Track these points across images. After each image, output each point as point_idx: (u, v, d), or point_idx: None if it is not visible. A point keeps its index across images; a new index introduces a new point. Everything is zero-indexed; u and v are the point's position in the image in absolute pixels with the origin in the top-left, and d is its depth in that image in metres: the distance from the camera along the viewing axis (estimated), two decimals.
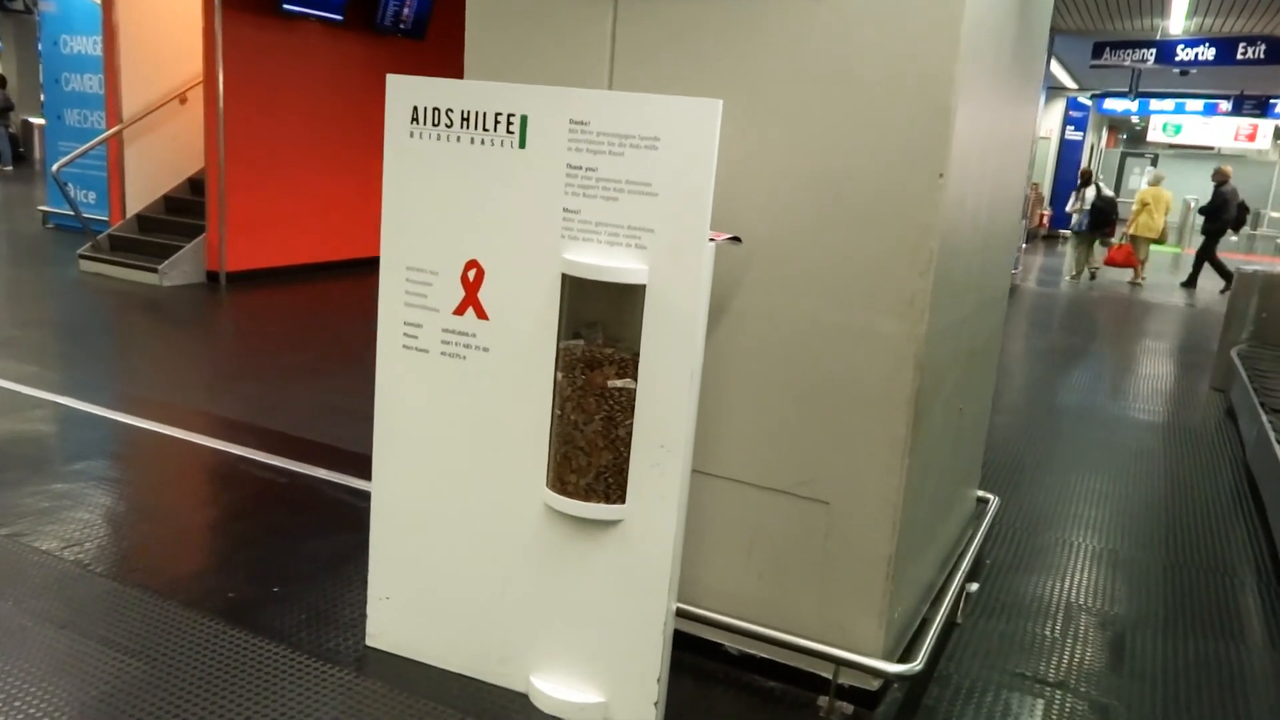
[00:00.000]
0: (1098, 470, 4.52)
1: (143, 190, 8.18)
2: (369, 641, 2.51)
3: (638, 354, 2.10)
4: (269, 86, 7.77)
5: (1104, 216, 12.21)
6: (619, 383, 2.11)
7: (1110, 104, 18.97)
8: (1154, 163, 26.02)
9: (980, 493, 3.47)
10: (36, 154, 16.93)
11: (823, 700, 2.39)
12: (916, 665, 2.29)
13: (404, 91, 2.23)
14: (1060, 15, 10.89)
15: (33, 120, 16.96)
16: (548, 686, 2.27)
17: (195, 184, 8.21)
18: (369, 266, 2.34)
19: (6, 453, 3.71)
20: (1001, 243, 3.04)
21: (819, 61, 2.17)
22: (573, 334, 2.20)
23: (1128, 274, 12.40)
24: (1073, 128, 19.54)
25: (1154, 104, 18.13)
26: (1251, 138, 19.04)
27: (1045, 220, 17.40)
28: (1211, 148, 23.37)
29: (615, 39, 2.38)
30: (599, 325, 2.21)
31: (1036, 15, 2.99)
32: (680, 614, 2.39)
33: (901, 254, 2.16)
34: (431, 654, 2.43)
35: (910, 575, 2.52)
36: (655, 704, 2.19)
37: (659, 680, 2.18)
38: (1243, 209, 12.51)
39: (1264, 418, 4.40)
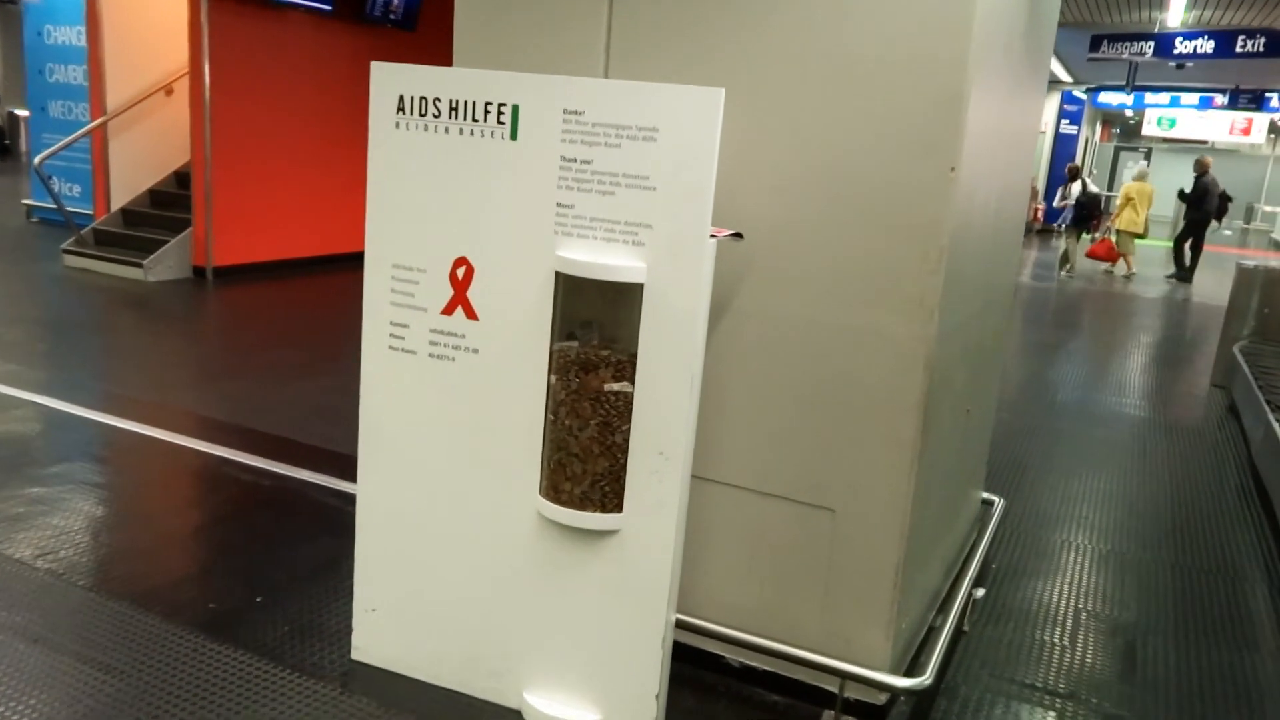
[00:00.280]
0: (1100, 470, 4.44)
1: (127, 184, 8.04)
2: (355, 655, 2.41)
3: (635, 355, 2.00)
4: (256, 78, 7.63)
5: (1088, 212, 12.21)
6: (615, 386, 2.01)
7: (1105, 98, 18.89)
8: (1147, 157, 26.00)
9: (985, 494, 3.38)
10: (22, 146, 16.72)
11: (828, 715, 2.30)
12: (925, 679, 2.20)
13: (389, 80, 2.12)
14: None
15: (18, 112, 16.75)
16: (541, 703, 2.18)
17: (181, 177, 8.08)
18: (359, 261, 2.23)
19: None
20: (1009, 238, 2.95)
21: (822, 43, 2.07)
22: (566, 335, 2.10)
23: (1114, 266, 12.39)
24: (1067, 121, 19.49)
25: (1149, 98, 18.06)
26: (1246, 132, 18.99)
27: (1039, 215, 17.36)
28: (1205, 142, 23.35)
29: (611, 26, 2.28)
30: (594, 325, 2.11)
31: (1046, 5, 2.90)
32: (679, 625, 2.29)
33: (911, 251, 2.06)
34: (420, 668, 2.33)
35: (917, 583, 2.43)
36: None
37: (657, 697, 2.09)
38: (1224, 199, 12.46)
39: (1270, 416, 4.32)
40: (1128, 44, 11.30)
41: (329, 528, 3.18)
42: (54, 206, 8.19)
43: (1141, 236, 12.31)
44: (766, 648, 2.32)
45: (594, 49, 2.30)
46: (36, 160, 8.16)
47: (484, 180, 2.06)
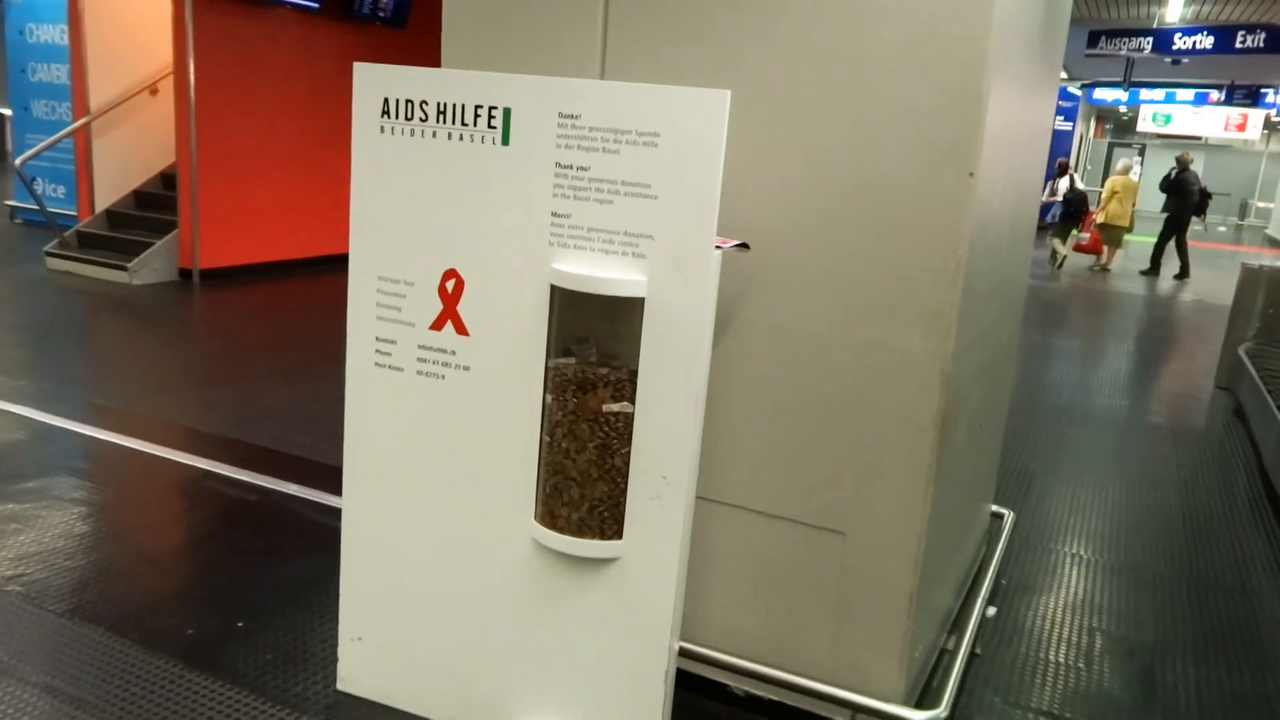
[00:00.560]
0: (1108, 478, 4.34)
1: (112, 185, 7.89)
2: (340, 685, 2.29)
3: (635, 372, 1.89)
4: (243, 77, 7.48)
5: (1075, 208, 12.19)
6: (615, 407, 1.89)
7: (1100, 94, 18.83)
8: (1141, 153, 25.98)
9: (994, 507, 3.28)
10: (7, 146, 16.51)
11: None
12: (941, 712, 2.09)
13: (374, 81, 2.00)
14: None
15: (3, 111, 16.54)
16: None
17: (167, 178, 7.93)
18: (348, 264, 2.13)
19: None
20: (1023, 244, 2.84)
21: (832, 39, 1.95)
22: (562, 351, 1.98)
23: (1094, 259, 12.41)
24: (1062, 118, 19.40)
25: (1144, 94, 17.99)
26: (1242, 128, 18.94)
27: None
28: (1199, 138, 23.34)
29: (607, 24, 2.16)
30: (591, 341, 1.99)
31: (1060, 1, 2.79)
32: (681, 653, 2.18)
33: (927, 261, 1.94)
34: (408, 700, 2.21)
35: (930, 604, 2.32)
36: None
37: None
38: (1203, 195, 12.40)
39: None
40: (1126, 40, 11.21)
41: (315, 545, 3.06)
42: (37, 208, 8.04)
43: (1128, 230, 12.36)
44: (772, 676, 2.21)
45: (589, 47, 2.18)
46: (18, 161, 7.99)
47: (475, 188, 1.94)
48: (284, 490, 3.48)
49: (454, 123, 1.94)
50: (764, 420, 2.15)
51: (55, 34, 8.59)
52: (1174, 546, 3.59)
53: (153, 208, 7.82)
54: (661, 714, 1.97)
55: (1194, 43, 10.80)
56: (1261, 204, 25.72)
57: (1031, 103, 2.48)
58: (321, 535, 3.14)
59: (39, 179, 8.75)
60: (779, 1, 1.98)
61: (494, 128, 1.91)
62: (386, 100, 1.99)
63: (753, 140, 2.04)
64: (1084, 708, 2.49)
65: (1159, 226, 12.54)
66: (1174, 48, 10.99)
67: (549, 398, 1.95)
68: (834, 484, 2.11)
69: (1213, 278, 12.74)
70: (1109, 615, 3.01)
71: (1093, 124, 26.63)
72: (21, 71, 9.01)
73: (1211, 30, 10.67)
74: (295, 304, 7.11)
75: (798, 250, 2.05)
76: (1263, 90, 16.44)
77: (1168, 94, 17.74)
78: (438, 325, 2.02)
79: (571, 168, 1.85)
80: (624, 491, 1.92)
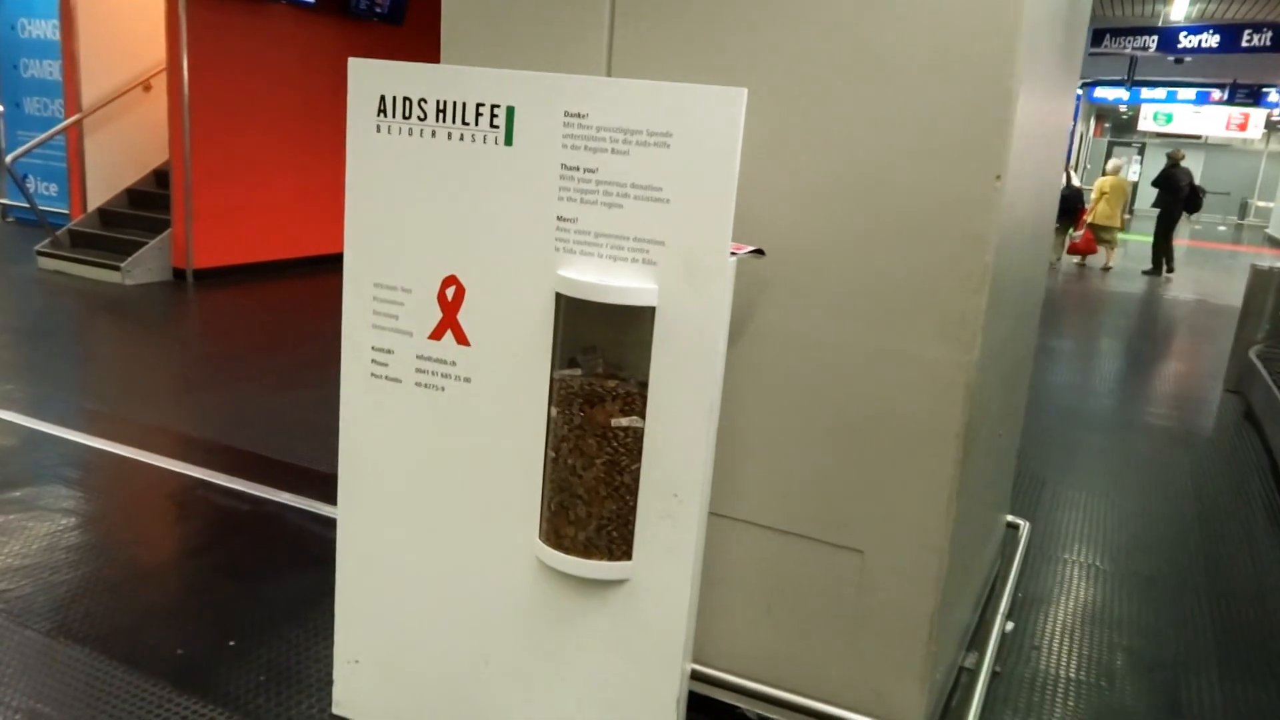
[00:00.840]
0: (1120, 484, 4.25)
1: (104, 183, 7.77)
2: (336, 709, 2.19)
3: (644, 384, 1.79)
4: (237, 73, 7.37)
5: (1070, 206, 12.12)
6: (624, 421, 1.80)
7: (1101, 92, 18.73)
8: (1140, 152, 25.90)
9: (1010, 517, 3.19)
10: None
11: None
12: None
13: (369, 77, 1.90)
14: None
15: None
16: None
17: (160, 176, 7.82)
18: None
19: None
20: (1041, 248, 2.75)
21: (851, 34, 1.86)
22: (567, 361, 1.88)
23: (1092, 258, 12.36)
24: None
25: (1145, 92, 17.90)
26: (1243, 127, 18.86)
27: None
28: (1199, 136, 23.26)
29: (614, 17, 2.06)
30: (597, 350, 1.90)
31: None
32: (690, 674, 2.09)
33: (951, 268, 1.85)
34: None
35: (949, 621, 2.23)
36: None
37: None
38: (1194, 191, 12.30)
39: None
40: (1131, 38, 11.12)
41: (309, 558, 2.96)
42: (28, 206, 7.92)
43: (1120, 229, 12.32)
44: (786, 700, 2.12)
45: (594, 42, 2.09)
46: (9, 158, 7.88)
47: (476, 191, 1.85)
48: (278, 499, 3.39)
49: (454, 122, 1.84)
50: (778, 432, 2.06)
51: (48, 29, 8.47)
52: (1190, 555, 3.51)
53: (146, 206, 7.71)
54: None
55: (1199, 41, 10.70)
56: (1261, 203, 25.66)
57: (1054, 101, 2.39)
58: (316, 547, 3.04)
59: (30, 176, 8.64)
60: None
61: (496, 127, 1.81)
62: (383, 98, 1.89)
63: (766, 139, 1.95)
64: None
65: (1150, 224, 12.50)
66: (1179, 46, 10.90)
67: (554, 411, 1.85)
68: (852, 500, 2.02)
69: (1214, 278, 12.68)
70: (1128, 629, 2.92)
71: (1092, 123, 26.56)
72: (13, 67, 8.89)
73: (1217, 29, 10.58)
74: (291, 304, 7.01)
75: (814, 255, 1.96)
76: (1265, 89, 16.36)
77: (1169, 93, 17.65)
78: (437, 335, 1.92)
79: (578, 169, 1.76)
80: (633, 510, 1.82)
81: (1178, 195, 11.76)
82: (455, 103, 1.83)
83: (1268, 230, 23.03)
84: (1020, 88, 1.78)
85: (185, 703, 2.20)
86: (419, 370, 1.95)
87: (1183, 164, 11.85)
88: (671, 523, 1.81)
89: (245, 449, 3.90)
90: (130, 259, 7.03)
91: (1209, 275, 12.51)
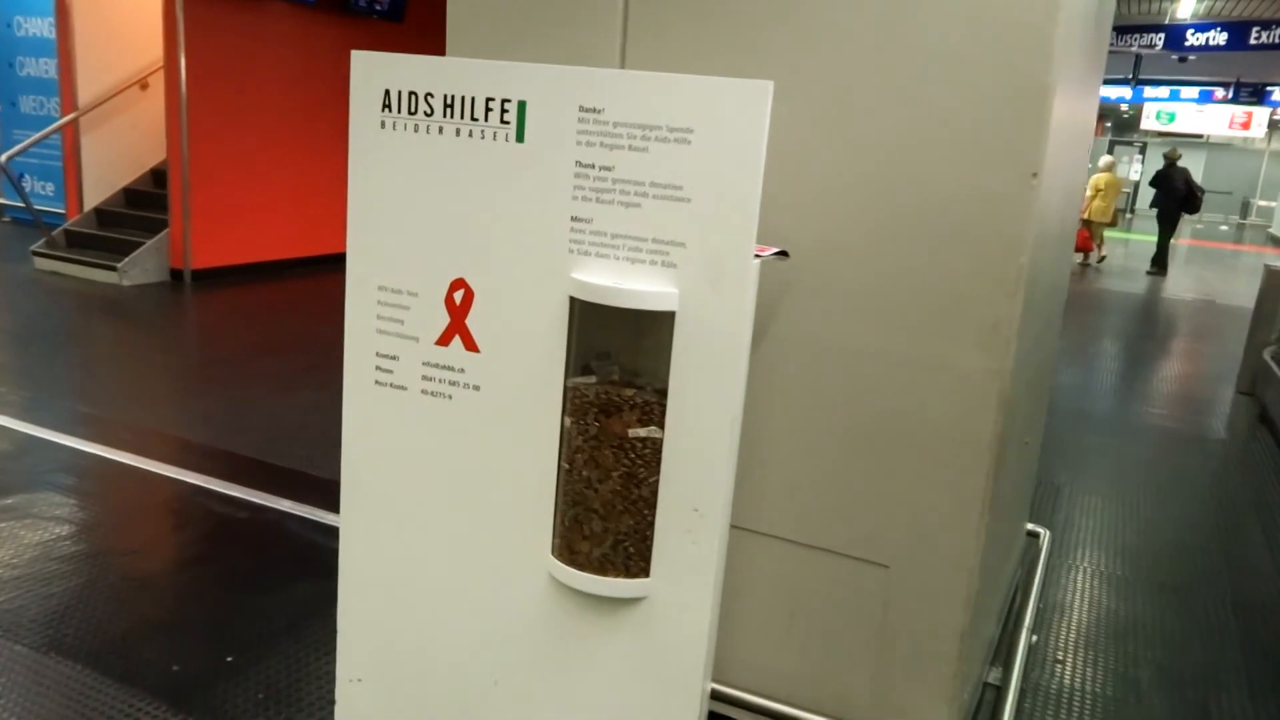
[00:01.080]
0: (1137, 490, 4.17)
1: (101, 182, 7.68)
2: None
3: (663, 392, 1.70)
4: (236, 71, 7.28)
5: None
6: (642, 432, 1.71)
7: (1103, 91, 18.65)
8: (1142, 151, 25.84)
9: (1030, 526, 3.10)
10: None
11: None
12: None
13: (373, 72, 1.81)
14: None
15: None
16: None
17: (158, 175, 7.73)
18: (345, 262, 1.95)
19: None
20: (1066, 249, 2.66)
21: (880, 24, 1.77)
22: (581, 368, 1.79)
23: (1088, 256, 12.40)
24: None
25: (1148, 91, 17.82)
26: (1246, 126, 18.76)
27: None
28: (1200, 135, 23.19)
29: (628, 10, 1.98)
30: (612, 356, 1.81)
31: None
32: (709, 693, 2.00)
33: (985, 271, 1.77)
34: None
35: (977, 636, 2.15)
36: None
37: None
38: (1191, 189, 12.21)
39: None
40: (1137, 36, 11.03)
41: (309, 569, 2.88)
42: (24, 206, 7.83)
43: (1111, 225, 12.28)
44: None
45: (608, 32, 2.00)
46: (4, 157, 7.79)
47: (485, 189, 1.76)
48: (277, 507, 3.30)
49: (463, 117, 1.75)
50: (801, 442, 1.97)
51: (44, 27, 8.38)
52: (1211, 562, 3.42)
53: (143, 206, 7.62)
54: None
55: (1207, 39, 10.61)
56: (1263, 203, 25.60)
57: (1084, 97, 2.31)
58: (317, 557, 2.95)
59: (26, 176, 8.55)
60: None
61: (507, 123, 1.72)
62: (388, 92, 1.80)
63: (790, 136, 1.86)
64: None
65: (1153, 224, 12.45)
66: (1186, 44, 10.80)
67: (568, 421, 1.76)
68: (878, 512, 1.93)
69: (1217, 277, 12.60)
70: (1153, 640, 2.84)
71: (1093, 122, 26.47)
72: (9, 66, 8.80)
73: (1225, 26, 10.48)
74: (291, 305, 6.91)
75: (840, 257, 1.87)
76: (1269, 88, 16.27)
77: (1172, 91, 17.57)
78: (444, 340, 1.84)
79: (594, 167, 1.67)
80: (651, 525, 1.74)
81: (1174, 195, 11.67)
82: (464, 97, 1.74)
83: (1270, 230, 22.97)
84: (1057, 81, 1.70)
85: None
86: (425, 378, 1.86)
87: (1180, 163, 11.76)
88: (692, 538, 1.72)
89: (244, 454, 3.81)
90: (127, 259, 6.94)
91: (1212, 275, 12.41)
